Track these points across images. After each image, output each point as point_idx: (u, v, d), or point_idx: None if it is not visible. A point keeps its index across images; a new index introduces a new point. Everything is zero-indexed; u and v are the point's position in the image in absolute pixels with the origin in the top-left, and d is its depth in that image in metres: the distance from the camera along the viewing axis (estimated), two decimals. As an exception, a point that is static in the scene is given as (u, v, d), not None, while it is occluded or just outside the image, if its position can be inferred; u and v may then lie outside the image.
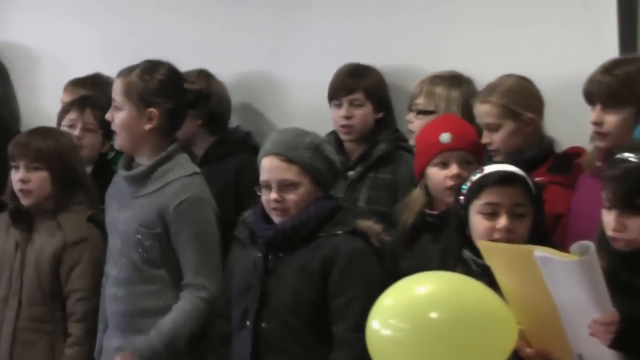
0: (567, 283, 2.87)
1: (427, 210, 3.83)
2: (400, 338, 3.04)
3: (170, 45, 4.77)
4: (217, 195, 4.05)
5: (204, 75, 4.68)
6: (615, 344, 2.85)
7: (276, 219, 3.69)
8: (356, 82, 4.46)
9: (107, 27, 5.34)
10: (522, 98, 4.01)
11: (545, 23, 4.35)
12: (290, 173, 3.66)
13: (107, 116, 3.98)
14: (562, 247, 3.03)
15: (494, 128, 3.98)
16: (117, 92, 3.95)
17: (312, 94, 4.74)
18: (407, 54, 4.63)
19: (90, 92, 4.96)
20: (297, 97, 4.90)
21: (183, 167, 3.97)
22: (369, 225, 3.69)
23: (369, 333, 3.10)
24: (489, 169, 3.38)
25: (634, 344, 2.87)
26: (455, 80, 4.33)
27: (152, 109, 3.92)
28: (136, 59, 4.08)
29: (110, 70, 4.82)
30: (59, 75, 5.19)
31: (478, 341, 3.01)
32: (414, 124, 4.28)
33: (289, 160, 3.65)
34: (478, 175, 3.36)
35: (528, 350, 3.07)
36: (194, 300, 3.88)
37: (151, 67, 3.99)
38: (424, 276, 3.20)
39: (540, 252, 2.91)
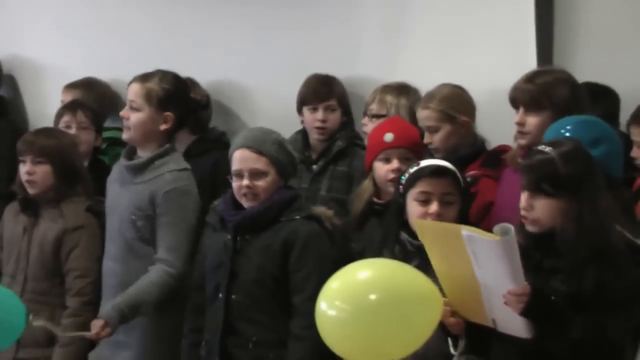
0: (489, 259, 3.05)
1: (375, 199, 4.06)
2: (343, 318, 3.20)
3: (157, 57, 5.08)
4: (197, 186, 4.29)
5: (190, 83, 4.96)
6: (524, 312, 3.06)
7: (246, 204, 3.93)
8: (329, 90, 4.80)
9: (100, 40, 5.62)
10: (457, 104, 4.28)
11: (478, 41, 4.73)
12: (260, 163, 3.90)
13: (123, 114, 4.22)
14: (489, 231, 3.13)
15: (434, 130, 4.25)
16: (137, 94, 4.23)
17: (276, 99, 5.14)
18: (359, 65, 5.01)
19: (84, 93, 5.28)
20: (264, 101, 5.24)
21: (177, 162, 4.26)
22: (322, 210, 3.97)
23: (318, 313, 3.26)
24: (424, 162, 3.61)
25: (538, 313, 3.07)
26: (404, 89, 4.64)
27: (168, 113, 4.24)
28: (126, 68, 4.41)
29: (103, 75, 5.39)
30: (60, 83, 5.45)
31: (410, 317, 3.19)
32: (367, 127, 4.59)
33: (259, 152, 3.90)
34: (415, 168, 3.60)
35: (451, 319, 3.25)
36: (160, 273, 4.11)
37: (166, 76, 4.28)
38: (365, 263, 3.39)
39: (467, 231, 3.09)
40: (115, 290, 4.21)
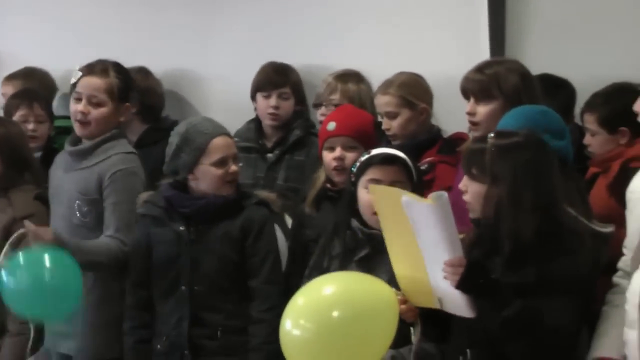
0: (426, 226, 3.06)
1: (328, 186, 4.06)
2: (307, 337, 3.19)
3: (108, 46, 5.08)
4: (150, 175, 4.28)
5: (142, 72, 5.08)
6: (460, 285, 3.03)
7: (227, 191, 3.95)
8: (284, 78, 4.84)
9: (48, 31, 5.61)
10: (416, 90, 4.35)
11: (430, 30, 4.82)
12: (236, 148, 4.03)
13: (82, 109, 4.18)
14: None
15: (393, 116, 4.30)
16: (98, 89, 4.20)
17: (229, 88, 5.16)
18: (313, 54, 5.03)
19: (25, 83, 5.24)
20: (216, 89, 5.27)
21: (124, 146, 4.26)
22: (267, 195, 4.04)
23: (282, 333, 3.23)
24: (375, 151, 3.63)
25: (474, 286, 3.04)
26: (359, 76, 4.71)
27: (127, 104, 4.28)
28: (76, 58, 4.33)
29: (54, 65, 5.38)
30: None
31: (371, 330, 3.20)
32: (318, 115, 4.65)
33: (233, 138, 4.03)
34: (366, 156, 3.63)
35: (402, 306, 3.24)
36: (116, 242, 4.06)
37: (120, 67, 4.28)
38: (330, 277, 3.40)
39: (406, 196, 3.11)
40: None
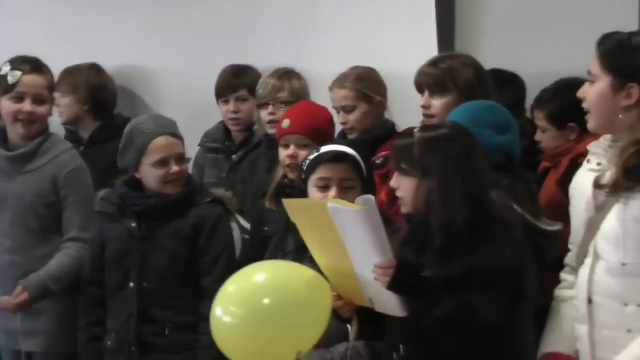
0: (354, 231, 3.06)
1: (286, 182, 4.05)
2: (237, 324, 3.21)
3: (62, 43, 5.13)
4: (102, 173, 4.33)
5: (95, 69, 5.07)
6: (391, 286, 3.04)
7: (171, 190, 3.95)
8: (239, 81, 4.84)
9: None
10: (372, 84, 4.39)
11: (379, 25, 4.82)
12: (182, 147, 4.00)
13: (29, 108, 4.16)
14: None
15: (350, 110, 4.33)
16: (42, 87, 4.21)
17: (182, 85, 5.16)
18: (267, 53, 5.01)
19: None
20: (170, 87, 5.26)
21: (62, 142, 4.30)
22: (222, 193, 4.05)
23: (213, 320, 3.25)
24: (324, 149, 3.62)
25: (405, 287, 3.05)
26: (299, 74, 4.71)
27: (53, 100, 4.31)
28: (33, 54, 4.29)
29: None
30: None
31: (304, 317, 3.21)
32: (276, 115, 4.56)
33: (180, 137, 4.00)
34: (315, 155, 3.62)
35: (338, 302, 3.26)
36: (79, 249, 4.10)
37: (43, 64, 4.27)
38: (261, 266, 3.40)
39: (332, 203, 3.11)
40: (12, 283, 4.12)
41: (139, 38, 5.32)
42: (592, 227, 3.14)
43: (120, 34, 5.35)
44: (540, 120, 4.22)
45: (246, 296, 3.22)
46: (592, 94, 3.14)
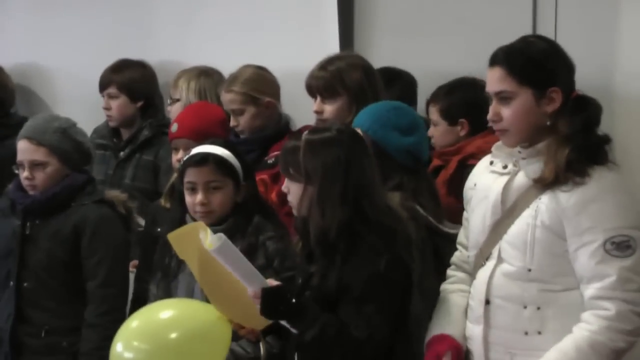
0: (225, 264, 3.04)
1: None
2: (140, 358, 3.21)
3: None
4: None
5: None
6: (262, 314, 3.02)
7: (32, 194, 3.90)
8: (110, 77, 4.84)
9: None
10: (259, 85, 4.33)
11: (282, 23, 4.87)
12: (38, 154, 3.87)
13: None
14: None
15: (239, 113, 4.29)
16: None
17: (78, 83, 5.15)
18: (161, 49, 5.05)
19: None
20: (66, 85, 5.25)
21: None
22: (115, 194, 3.97)
23: (113, 356, 3.22)
24: (193, 151, 3.61)
25: (275, 314, 3.03)
26: (208, 71, 4.69)
27: None
28: None
29: None
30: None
31: (206, 350, 3.25)
32: (170, 113, 4.65)
33: (38, 142, 3.87)
34: (185, 158, 3.64)
35: (242, 331, 3.30)
36: None
37: None
38: (164, 303, 3.44)
39: (202, 234, 3.05)
40: None
41: (35, 36, 5.30)
42: (497, 230, 3.13)
43: (16, 32, 5.33)
44: (433, 114, 4.23)
45: (151, 330, 3.23)
46: (510, 112, 3.08)
